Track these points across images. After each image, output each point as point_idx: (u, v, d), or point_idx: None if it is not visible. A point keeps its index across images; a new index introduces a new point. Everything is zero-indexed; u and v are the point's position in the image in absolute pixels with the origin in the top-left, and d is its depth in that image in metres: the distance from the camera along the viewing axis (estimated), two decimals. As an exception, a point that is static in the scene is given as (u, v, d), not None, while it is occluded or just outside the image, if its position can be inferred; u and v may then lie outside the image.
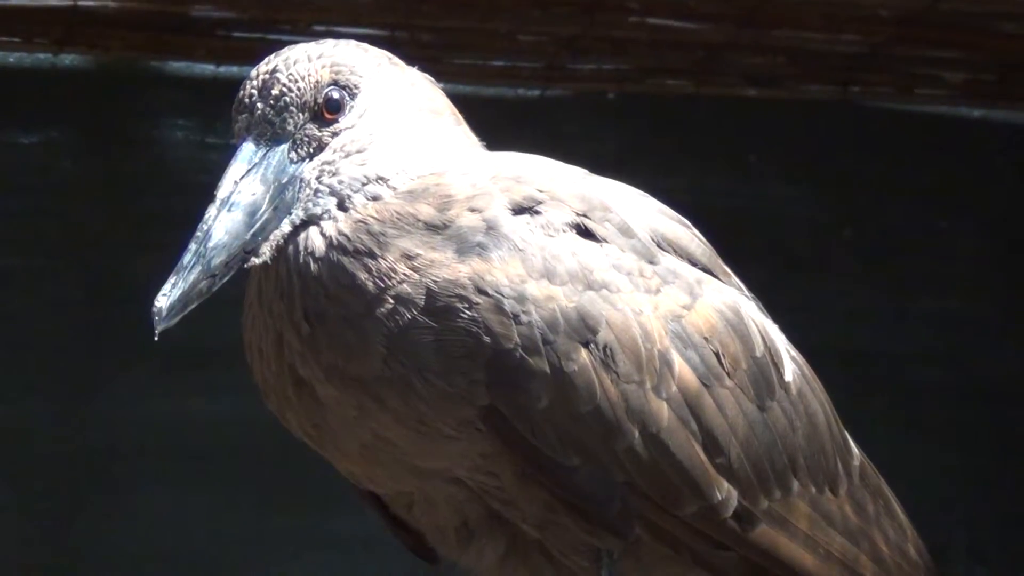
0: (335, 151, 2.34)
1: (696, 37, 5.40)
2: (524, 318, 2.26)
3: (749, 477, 2.44)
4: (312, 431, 2.37)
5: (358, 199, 2.32)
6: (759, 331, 2.51)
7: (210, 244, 2.27)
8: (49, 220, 5.28)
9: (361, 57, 2.39)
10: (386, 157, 2.36)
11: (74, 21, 5.06)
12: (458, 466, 2.36)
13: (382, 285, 2.26)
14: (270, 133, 2.33)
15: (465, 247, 2.28)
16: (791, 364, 2.57)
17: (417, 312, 2.25)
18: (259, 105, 2.33)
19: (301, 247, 2.30)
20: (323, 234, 2.30)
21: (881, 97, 5.85)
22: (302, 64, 2.34)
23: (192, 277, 2.25)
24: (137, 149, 5.43)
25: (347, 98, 2.36)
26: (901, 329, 5.79)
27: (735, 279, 2.59)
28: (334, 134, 2.35)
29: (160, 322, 2.23)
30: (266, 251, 2.30)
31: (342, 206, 2.32)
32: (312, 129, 2.35)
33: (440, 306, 2.25)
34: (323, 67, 2.34)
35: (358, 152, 2.34)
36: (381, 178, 2.34)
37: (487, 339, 2.25)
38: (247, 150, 2.33)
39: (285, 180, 2.32)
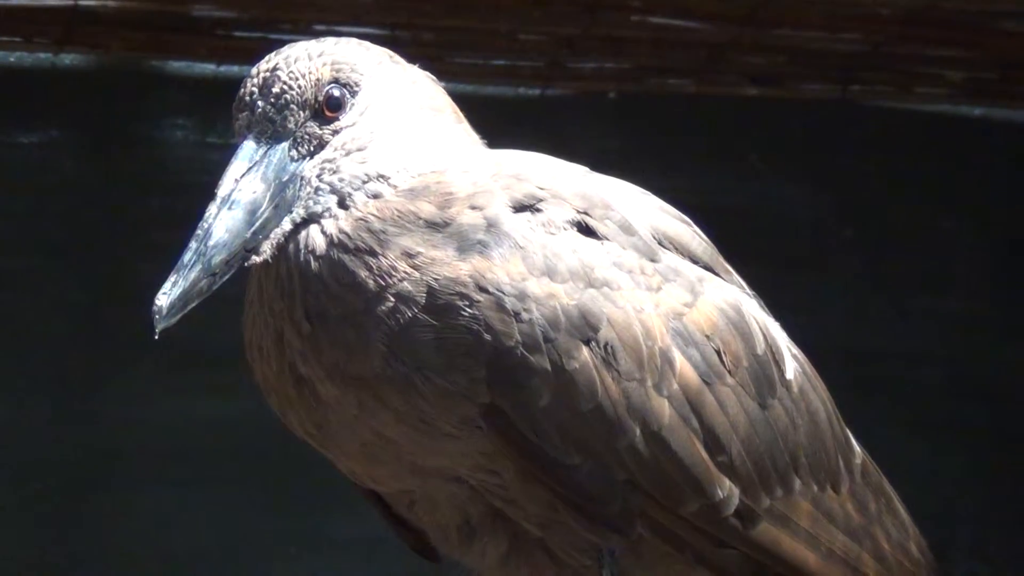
0: (336, 149, 2.34)
1: (697, 36, 5.40)
2: (525, 316, 2.26)
3: (751, 475, 2.43)
4: (313, 430, 2.37)
5: (359, 197, 2.32)
6: (760, 329, 2.51)
7: (211, 242, 2.26)
8: (49, 220, 5.27)
9: (362, 55, 2.39)
10: (387, 155, 2.35)
11: (74, 21, 5.06)
12: (459, 464, 2.35)
13: (383, 283, 2.25)
14: (271, 131, 2.33)
15: (466, 245, 2.27)
16: (792, 362, 2.57)
17: (418, 310, 2.25)
18: (260, 103, 2.32)
19: (302, 245, 2.29)
20: (324, 232, 2.29)
21: (882, 96, 5.84)
22: (303, 62, 2.34)
23: (192, 276, 2.24)
24: (137, 149, 5.42)
25: (348, 96, 2.36)
26: (901, 329, 5.78)
27: (736, 277, 2.58)
28: (335, 132, 2.34)
29: (160, 321, 2.23)
30: (267, 249, 2.30)
31: (343, 204, 2.31)
32: (313, 127, 2.34)
33: (441, 304, 2.25)
34: (324, 65, 2.34)
35: (359, 150, 2.34)
36: (382, 176, 2.34)
37: (488, 337, 2.25)
38: (248, 148, 2.32)
39: (286, 178, 2.32)
